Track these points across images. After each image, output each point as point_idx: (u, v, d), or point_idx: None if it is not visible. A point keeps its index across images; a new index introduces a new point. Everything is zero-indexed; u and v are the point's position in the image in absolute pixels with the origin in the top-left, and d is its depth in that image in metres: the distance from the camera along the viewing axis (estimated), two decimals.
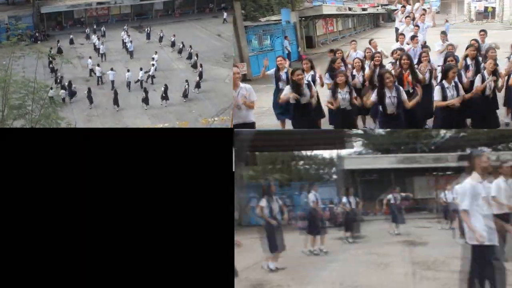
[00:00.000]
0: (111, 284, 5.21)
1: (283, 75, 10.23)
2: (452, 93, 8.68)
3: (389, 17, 25.88)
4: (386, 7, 26.64)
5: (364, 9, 26.59)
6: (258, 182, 20.12)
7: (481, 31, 11.72)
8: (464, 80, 9.24)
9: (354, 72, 10.48)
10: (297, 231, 13.50)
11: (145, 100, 21.31)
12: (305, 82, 8.95)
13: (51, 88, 20.16)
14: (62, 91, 21.04)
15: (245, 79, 16.91)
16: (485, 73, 9.17)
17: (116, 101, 21.14)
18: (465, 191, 5.52)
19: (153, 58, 24.73)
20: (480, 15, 24.21)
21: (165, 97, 21.39)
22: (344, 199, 13.63)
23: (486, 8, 24.05)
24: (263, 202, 8.72)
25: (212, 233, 5.30)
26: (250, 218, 15.87)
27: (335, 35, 24.82)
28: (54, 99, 12.65)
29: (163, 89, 21.45)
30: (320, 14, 22.67)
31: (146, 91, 21.49)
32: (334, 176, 25.48)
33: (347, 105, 9.08)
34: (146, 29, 30.00)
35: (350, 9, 25.30)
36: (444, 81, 8.70)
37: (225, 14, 32.44)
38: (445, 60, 9.87)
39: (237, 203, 11.61)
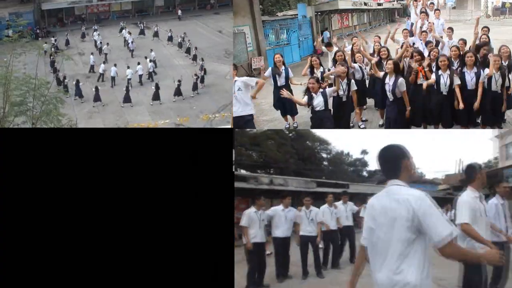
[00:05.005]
0: (110, 284, 5.25)
1: (281, 72, 10.23)
2: (445, 81, 8.93)
3: (404, 12, 25.76)
4: (401, 2, 26.54)
5: (379, 4, 26.55)
6: None
7: (448, 28, 11.88)
8: (468, 77, 9.14)
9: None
10: None
11: (156, 96, 21.26)
12: (321, 91, 8.70)
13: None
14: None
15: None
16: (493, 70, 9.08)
17: (127, 99, 21.02)
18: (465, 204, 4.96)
19: (147, 57, 24.70)
20: (497, 11, 23.85)
21: (178, 93, 21.39)
22: None
23: (503, 3, 23.69)
24: None
25: (211, 234, 5.32)
26: None
27: (350, 29, 24.73)
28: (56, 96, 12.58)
29: (176, 85, 21.43)
30: (335, 9, 22.74)
31: (157, 87, 21.39)
32: None
33: (344, 95, 9.31)
34: (151, 26, 30.01)
35: (365, 4, 25.25)
36: (439, 70, 9.03)
37: (179, 12, 32.35)
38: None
39: None
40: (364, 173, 24.70)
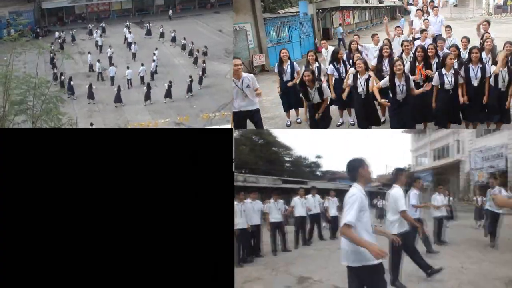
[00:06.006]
0: (111, 283, 5.25)
1: (286, 67, 10.26)
2: (450, 80, 8.82)
3: (405, 10, 25.81)
4: None
5: (380, 2, 26.54)
6: None
7: (447, 27, 11.79)
8: (472, 73, 9.08)
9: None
10: None
11: (147, 96, 21.27)
12: (317, 86, 8.66)
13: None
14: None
15: (263, 69, 17.17)
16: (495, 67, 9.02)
17: (118, 99, 21.09)
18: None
19: (154, 54, 24.71)
20: (499, 9, 23.72)
21: (168, 95, 21.39)
22: None
23: (505, 1, 23.59)
24: None
25: (211, 234, 5.31)
26: None
27: (352, 27, 24.71)
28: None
29: (167, 86, 21.39)
30: (337, 6, 22.71)
31: (149, 87, 21.41)
32: None
33: (364, 92, 9.08)
34: (147, 25, 29.95)
35: (367, 1, 25.25)
36: (443, 69, 8.86)
37: (170, 11, 32.33)
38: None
39: None
40: (318, 173, 32.15)
